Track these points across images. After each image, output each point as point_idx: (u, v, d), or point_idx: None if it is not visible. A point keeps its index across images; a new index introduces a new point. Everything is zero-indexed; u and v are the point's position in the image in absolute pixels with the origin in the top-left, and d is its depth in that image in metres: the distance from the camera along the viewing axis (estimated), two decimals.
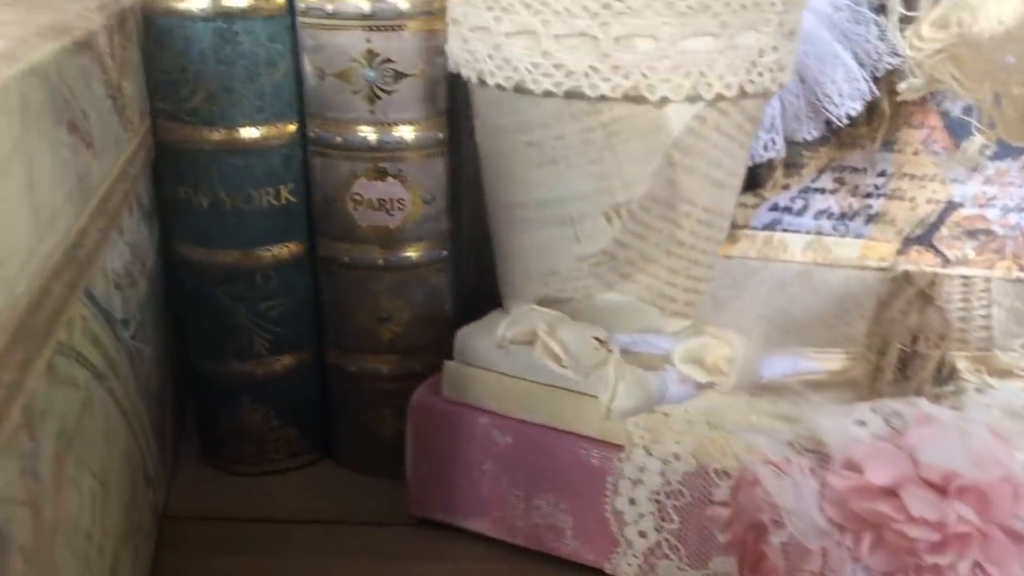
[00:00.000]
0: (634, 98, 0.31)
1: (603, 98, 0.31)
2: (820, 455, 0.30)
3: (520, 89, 0.32)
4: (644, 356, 0.32)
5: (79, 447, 0.24)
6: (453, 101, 0.38)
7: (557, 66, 0.31)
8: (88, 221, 0.26)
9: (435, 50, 0.36)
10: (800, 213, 0.45)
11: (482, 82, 0.33)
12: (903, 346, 0.32)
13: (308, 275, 0.40)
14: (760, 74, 0.32)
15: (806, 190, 0.44)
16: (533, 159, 0.33)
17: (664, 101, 0.31)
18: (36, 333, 0.20)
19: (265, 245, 0.38)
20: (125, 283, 0.32)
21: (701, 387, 0.31)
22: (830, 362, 0.33)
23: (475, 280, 0.43)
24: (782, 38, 0.32)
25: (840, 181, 0.44)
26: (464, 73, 0.34)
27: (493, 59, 0.32)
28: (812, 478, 0.29)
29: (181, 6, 0.35)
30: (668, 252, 0.34)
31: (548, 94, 0.32)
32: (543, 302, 0.35)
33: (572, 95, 0.31)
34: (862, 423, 0.28)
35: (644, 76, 0.31)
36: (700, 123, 0.32)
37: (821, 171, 0.44)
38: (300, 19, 0.36)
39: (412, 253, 0.38)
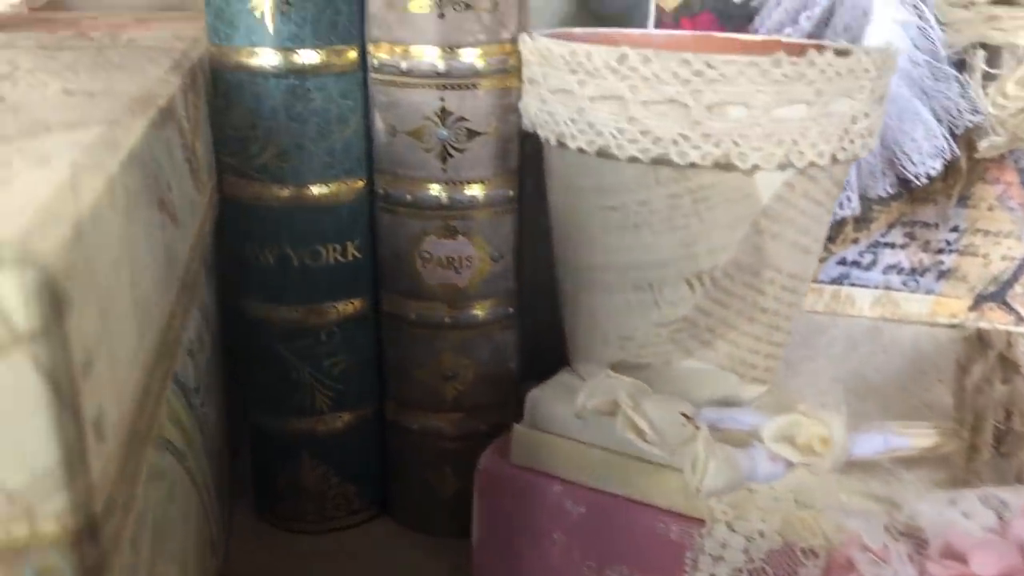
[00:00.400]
0: (724, 165, 0.30)
1: (692, 165, 0.30)
2: (917, 540, 0.29)
3: (603, 154, 0.31)
4: (731, 432, 0.31)
5: (166, 540, 0.23)
6: (522, 157, 0.37)
7: (644, 132, 0.30)
8: (175, 300, 0.25)
9: (509, 108, 0.35)
10: (869, 267, 0.44)
11: (562, 144, 0.32)
12: (998, 423, 0.31)
13: (372, 331, 0.39)
14: (852, 141, 0.31)
15: (875, 244, 0.43)
16: (613, 223, 0.33)
17: (755, 169, 0.30)
18: (141, 436, 0.19)
19: (330, 301, 0.37)
20: (196, 349, 0.31)
21: (791, 466, 0.30)
22: (921, 438, 0.32)
23: (532, 331, 0.42)
24: (873, 104, 0.31)
25: (911, 236, 0.43)
26: (542, 134, 0.33)
27: (575, 123, 0.31)
28: (910, 566, 0.28)
29: (253, 62, 0.34)
30: (750, 319, 0.33)
31: (633, 160, 0.31)
32: (617, 367, 0.35)
33: (659, 162, 0.30)
34: (967, 515, 0.27)
35: (736, 144, 0.30)
36: (789, 190, 0.31)
37: (891, 225, 0.43)
38: (372, 75, 0.35)
39: (479, 311, 0.37)
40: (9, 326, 0.14)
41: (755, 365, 0.35)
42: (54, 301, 0.14)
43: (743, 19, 0.42)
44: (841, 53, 0.30)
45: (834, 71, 0.30)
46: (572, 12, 0.51)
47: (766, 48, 0.39)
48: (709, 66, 0.29)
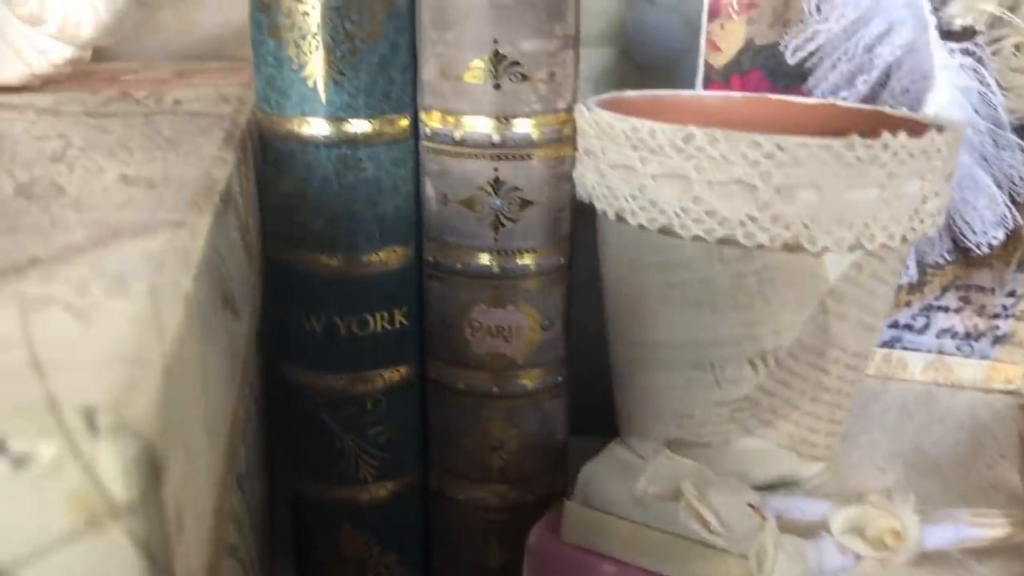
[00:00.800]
0: (792, 247, 0.29)
1: (759, 247, 0.29)
2: None
3: (666, 231, 0.30)
4: (797, 522, 0.30)
5: None
6: (574, 224, 0.36)
7: (710, 213, 0.29)
8: (238, 396, 0.24)
9: (562, 175, 0.35)
10: (921, 331, 0.43)
11: (621, 219, 0.31)
12: None
13: (417, 399, 0.38)
14: (922, 220, 0.30)
15: (928, 308, 0.43)
16: (674, 300, 0.32)
17: (824, 251, 0.29)
18: (215, 560, 0.18)
19: (376, 369, 0.37)
20: (246, 428, 0.30)
21: (860, 559, 0.29)
22: (993, 528, 0.31)
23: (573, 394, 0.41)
24: (943, 183, 0.31)
25: (965, 300, 0.42)
26: (599, 206, 0.32)
27: (636, 199, 0.31)
28: None
29: (304, 131, 0.33)
30: (813, 398, 0.32)
31: (697, 239, 0.30)
32: (674, 444, 0.34)
33: (725, 242, 0.30)
34: None
35: (805, 228, 0.29)
36: (857, 270, 0.31)
37: (945, 289, 0.42)
38: (424, 143, 0.35)
39: (527, 381, 0.37)
40: (107, 498, 0.13)
41: (815, 443, 0.34)
42: (152, 469, 0.13)
43: (795, 77, 0.42)
44: (914, 132, 0.29)
45: (907, 153, 0.29)
46: (612, 65, 0.50)
47: (822, 112, 0.38)
48: (780, 148, 0.28)
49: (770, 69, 0.42)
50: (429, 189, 0.35)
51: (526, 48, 0.33)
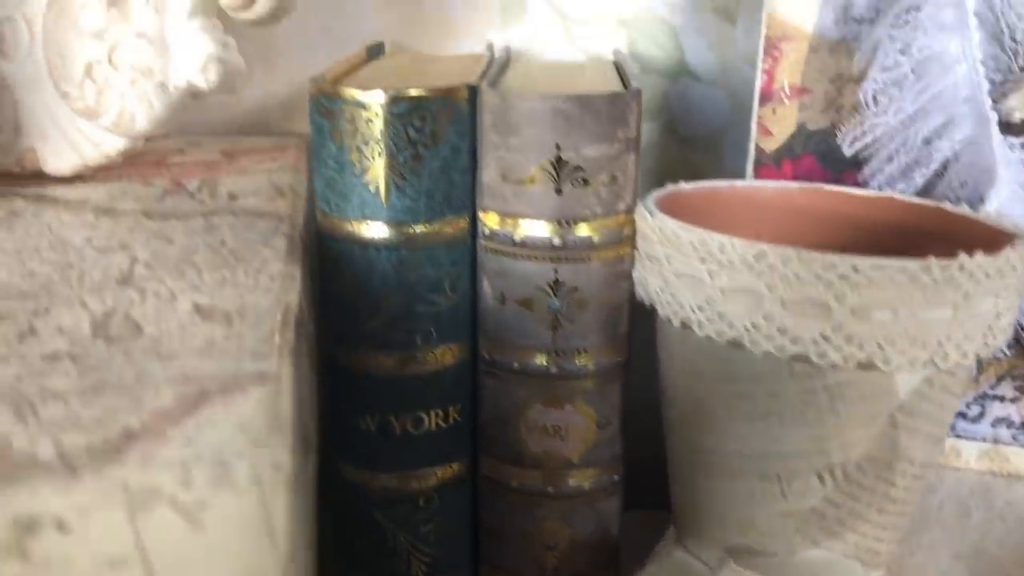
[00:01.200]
0: (865, 365, 0.29)
1: (831, 365, 0.29)
2: None
3: (734, 345, 0.30)
4: None
5: None
6: (632, 323, 0.36)
7: (782, 330, 0.29)
8: (309, 532, 0.24)
9: (621, 275, 0.34)
10: (976, 420, 0.42)
11: (686, 327, 0.31)
12: None
13: (469, 495, 0.38)
14: (995, 336, 0.30)
15: (983, 396, 0.42)
16: (739, 411, 0.31)
17: (897, 369, 0.29)
18: None
19: (430, 467, 0.36)
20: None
21: None
22: None
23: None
24: (1016, 297, 0.30)
25: (1021, 389, 0.41)
26: (662, 312, 0.32)
27: (703, 311, 0.30)
28: None
29: (365, 234, 0.33)
30: (880, 510, 0.32)
31: (767, 355, 0.29)
32: (735, 550, 0.33)
33: (796, 359, 0.29)
34: None
35: (880, 347, 0.28)
36: (928, 386, 0.30)
37: (1000, 378, 0.42)
38: (482, 242, 0.34)
39: (583, 481, 0.36)
40: None
41: (879, 551, 0.33)
42: None
43: (847, 163, 0.41)
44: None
45: (983, 273, 0.28)
46: (656, 138, 0.50)
47: (880, 205, 0.37)
48: (855, 270, 0.28)
49: (822, 154, 0.42)
50: (486, 287, 0.35)
51: (588, 153, 0.32)
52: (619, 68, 0.42)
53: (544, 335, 0.34)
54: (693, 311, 0.31)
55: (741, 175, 0.50)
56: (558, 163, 0.32)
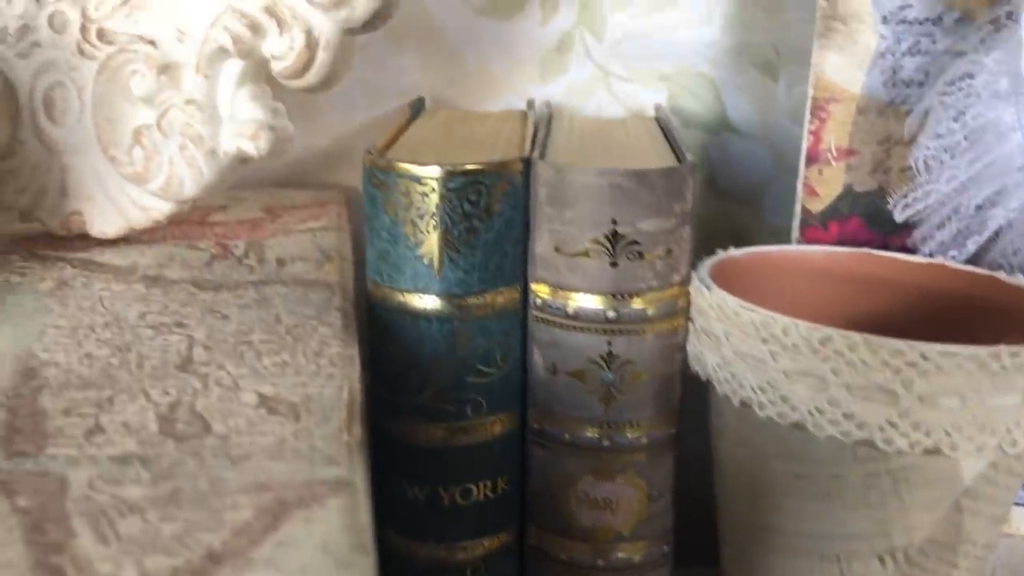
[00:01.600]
0: (931, 451, 0.28)
1: (897, 451, 0.28)
2: None
3: (797, 427, 0.29)
4: None
5: None
6: (684, 393, 0.35)
7: (847, 416, 0.28)
8: None
9: (675, 346, 0.34)
10: None
11: (745, 405, 0.31)
12: None
13: (516, 566, 0.37)
14: None
15: None
16: (800, 491, 0.31)
17: (964, 455, 0.28)
18: None
19: (478, 537, 0.36)
20: None
21: None
22: None
23: None
24: None
25: None
26: (720, 390, 0.32)
27: (765, 392, 0.30)
28: None
29: (417, 305, 0.33)
30: None
31: (831, 439, 0.29)
32: None
33: (861, 444, 0.29)
34: None
35: (947, 434, 0.28)
36: (994, 470, 0.30)
37: None
38: (534, 312, 0.34)
39: (634, 554, 0.36)
40: None
41: None
42: None
43: (895, 225, 0.41)
44: None
45: None
46: (697, 192, 0.49)
47: (932, 272, 0.37)
48: (924, 357, 0.27)
49: (870, 216, 0.41)
50: (537, 358, 0.34)
51: (644, 227, 0.32)
52: (663, 126, 0.42)
53: (596, 407, 0.34)
54: (754, 391, 0.30)
55: (781, 230, 0.49)
56: (614, 237, 0.32)
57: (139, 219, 0.37)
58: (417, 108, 0.45)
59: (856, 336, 0.28)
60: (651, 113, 0.47)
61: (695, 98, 0.48)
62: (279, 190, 0.48)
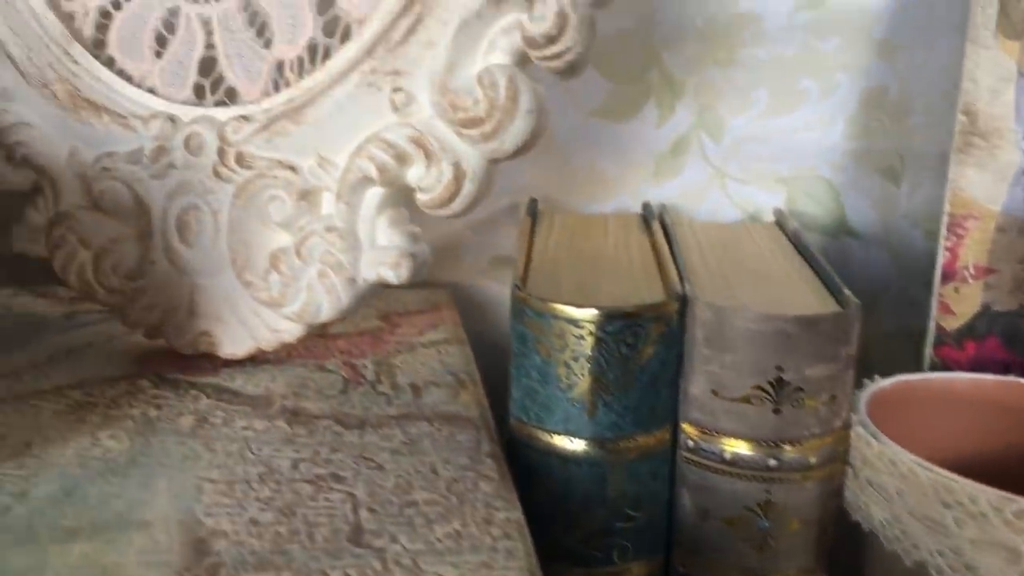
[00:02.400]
0: None
1: None
2: None
3: None
4: None
5: None
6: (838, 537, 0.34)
7: None
8: None
9: (833, 492, 0.33)
10: None
11: (920, 566, 0.29)
12: None
13: None
14: None
15: None
16: None
17: None
18: None
19: None
20: None
21: None
22: None
23: None
24: None
25: None
26: (889, 547, 0.30)
27: (945, 557, 0.28)
28: None
29: (566, 447, 0.32)
30: None
31: None
32: None
33: None
34: None
35: None
36: None
37: None
38: (684, 454, 0.33)
39: None
40: None
41: None
42: None
43: None
44: None
45: None
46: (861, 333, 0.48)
47: None
48: None
49: (1008, 336, 0.40)
50: (686, 500, 0.33)
51: (810, 374, 0.31)
52: (790, 236, 0.41)
53: (748, 554, 0.32)
54: (932, 555, 0.29)
55: (899, 336, 0.48)
56: (778, 384, 0.31)
57: (269, 341, 0.36)
58: (532, 212, 0.44)
59: None
60: (769, 217, 0.46)
61: (814, 201, 0.47)
62: (388, 290, 0.47)
